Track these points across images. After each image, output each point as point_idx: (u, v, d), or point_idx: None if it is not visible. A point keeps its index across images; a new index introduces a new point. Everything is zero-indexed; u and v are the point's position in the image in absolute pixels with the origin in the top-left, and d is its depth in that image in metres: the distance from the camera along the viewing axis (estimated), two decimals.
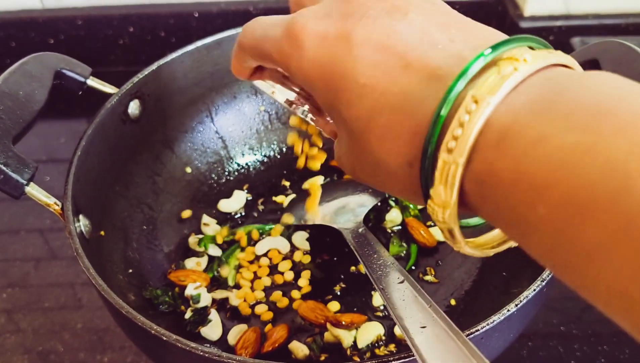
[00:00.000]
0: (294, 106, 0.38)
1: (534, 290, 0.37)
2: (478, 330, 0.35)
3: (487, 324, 0.35)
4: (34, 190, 0.44)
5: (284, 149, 0.66)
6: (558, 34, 0.81)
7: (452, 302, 0.51)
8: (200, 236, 0.56)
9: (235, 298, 0.52)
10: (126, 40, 0.83)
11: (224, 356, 0.34)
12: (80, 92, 0.53)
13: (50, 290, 0.60)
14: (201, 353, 0.35)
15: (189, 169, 0.61)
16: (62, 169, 0.70)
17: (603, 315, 0.20)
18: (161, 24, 0.82)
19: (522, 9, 0.81)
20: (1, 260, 0.63)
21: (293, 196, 0.61)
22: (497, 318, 0.35)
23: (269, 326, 0.50)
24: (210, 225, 0.58)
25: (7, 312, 0.58)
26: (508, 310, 0.36)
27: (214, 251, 0.55)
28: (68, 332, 0.56)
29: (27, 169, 0.43)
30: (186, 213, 0.59)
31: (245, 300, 0.52)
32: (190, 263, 0.55)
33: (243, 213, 0.60)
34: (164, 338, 0.35)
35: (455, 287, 0.53)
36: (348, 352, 0.48)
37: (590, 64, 0.50)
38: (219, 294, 0.52)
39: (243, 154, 0.64)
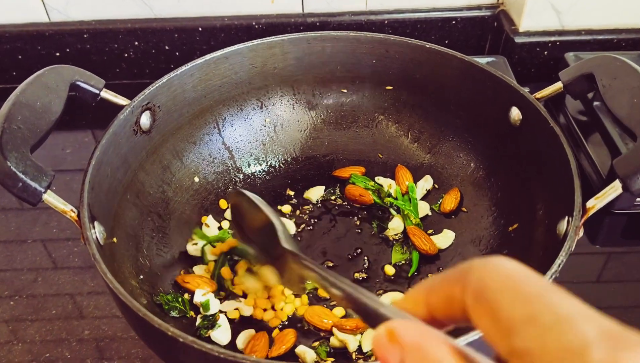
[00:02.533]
0: None
1: None
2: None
3: None
4: (51, 198, 0.45)
5: (289, 160, 0.67)
6: (552, 49, 0.82)
7: None
8: (196, 243, 0.57)
9: (245, 308, 0.53)
10: (131, 53, 0.84)
11: (239, 357, 0.35)
12: (93, 104, 0.54)
13: (57, 298, 0.60)
14: (217, 354, 0.35)
15: (197, 179, 0.62)
16: (68, 179, 0.71)
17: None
18: (166, 38, 0.83)
19: (518, 24, 0.82)
20: (8, 269, 0.63)
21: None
22: None
23: (276, 331, 0.51)
24: (210, 227, 0.58)
25: (14, 320, 0.58)
26: None
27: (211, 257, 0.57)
28: (74, 340, 0.56)
29: (45, 177, 0.44)
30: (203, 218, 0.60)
31: (256, 306, 0.53)
32: (199, 270, 0.56)
33: None
34: (181, 340, 0.36)
35: None
36: (353, 355, 0.49)
37: (585, 78, 0.51)
38: (228, 306, 0.53)
39: (249, 165, 0.66)
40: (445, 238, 0.58)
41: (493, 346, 0.19)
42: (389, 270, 0.56)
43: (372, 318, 0.24)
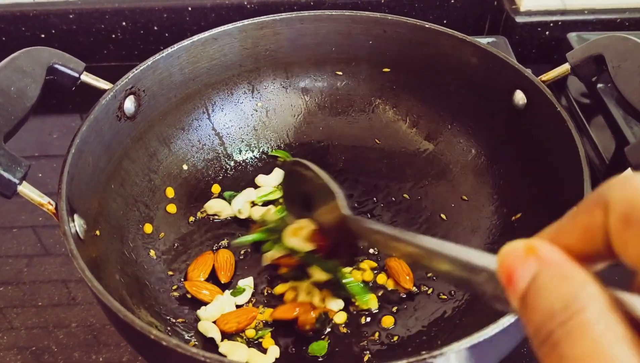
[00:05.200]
0: None
1: None
2: (487, 334, 0.34)
3: (497, 326, 0.35)
4: (26, 189, 0.43)
5: (282, 146, 0.65)
6: (554, 29, 0.81)
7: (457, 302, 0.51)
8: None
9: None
10: (119, 35, 0.83)
11: (226, 361, 0.34)
12: (73, 88, 0.52)
13: (44, 287, 0.59)
14: (202, 358, 0.34)
15: (185, 167, 0.61)
16: (55, 165, 0.70)
17: None
18: (154, 19, 0.81)
19: (518, 4, 0.81)
20: None
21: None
22: (507, 320, 0.35)
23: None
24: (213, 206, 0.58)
25: (0, 310, 0.57)
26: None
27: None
28: (62, 331, 0.55)
29: (20, 168, 0.42)
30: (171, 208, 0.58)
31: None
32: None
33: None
34: (164, 343, 0.35)
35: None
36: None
37: (594, 60, 0.50)
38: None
39: (240, 151, 0.64)
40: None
41: None
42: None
43: (464, 270, 0.23)
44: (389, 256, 0.55)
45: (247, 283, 0.53)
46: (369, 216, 0.59)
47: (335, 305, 0.51)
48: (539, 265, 0.18)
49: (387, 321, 0.50)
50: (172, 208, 0.58)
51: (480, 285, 0.22)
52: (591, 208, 0.19)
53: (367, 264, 0.54)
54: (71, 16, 0.80)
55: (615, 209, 0.18)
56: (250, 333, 0.50)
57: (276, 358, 0.48)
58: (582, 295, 0.17)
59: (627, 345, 0.16)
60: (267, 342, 0.49)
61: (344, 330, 0.50)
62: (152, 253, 0.54)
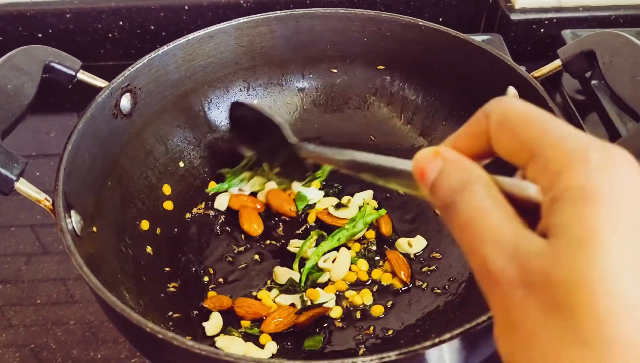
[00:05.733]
0: None
1: None
2: (479, 324, 0.35)
3: (488, 318, 0.35)
4: (23, 186, 0.43)
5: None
6: (549, 27, 0.81)
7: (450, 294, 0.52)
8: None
9: None
10: (116, 34, 0.83)
11: (221, 354, 0.34)
12: (69, 86, 0.53)
13: (42, 285, 0.59)
14: (198, 351, 0.34)
15: (182, 164, 0.61)
16: (52, 164, 0.70)
17: None
18: (151, 18, 0.81)
19: (514, 1, 0.81)
20: None
21: None
22: None
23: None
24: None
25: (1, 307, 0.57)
26: None
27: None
28: (60, 328, 0.56)
29: (17, 165, 0.43)
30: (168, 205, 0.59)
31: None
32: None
33: None
34: (160, 337, 0.35)
35: (452, 280, 0.53)
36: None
37: (585, 56, 0.50)
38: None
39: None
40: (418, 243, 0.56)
41: (513, 160, 0.24)
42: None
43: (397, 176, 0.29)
44: (389, 250, 0.55)
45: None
46: None
47: (327, 298, 0.52)
48: (443, 162, 0.24)
49: (377, 310, 0.51)
50: (168, 205, 0.58)
51: (403, 183, 0.29)
52: (478, 119, 0.25)
53: (361, 264, 0.55)
54: (68, 15, 0.80)
55: (493, 117, 0.24)
56: (245, 323, 0.50)
57: (273, 354, 0.48)
58: (473, 176, 0.24)
59: (499, 203, 0.23)
60: (265, 338, 0.49)
61: (339, 325, 0.50)
62: (149, 249, 0.54)
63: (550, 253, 0.21)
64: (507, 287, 0.21)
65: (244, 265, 0.55)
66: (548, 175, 0.22)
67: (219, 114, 0.64)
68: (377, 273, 0.54)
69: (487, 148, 0.25)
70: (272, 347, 0.49)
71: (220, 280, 0.54)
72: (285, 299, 0.52)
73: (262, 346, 0.49)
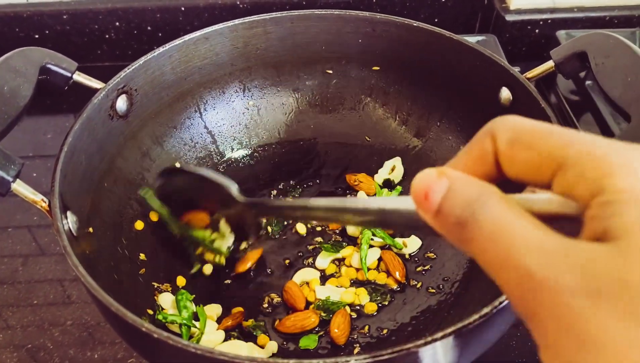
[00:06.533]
0: None
1: None
2: (472, 323, 0.35)
3: (480, 317, 0.35)
4: (20, 187, 0.44)
5: (273, 144, 0.65)
6: (543, 27, 0.81)
7: (443, 294, 0.52)
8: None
9: None
10: (112, 35, 0.83)
11: (216, 352, 0.34)
12: (66, 88, 0.53)
13: (39, 286, 0.59)
14: (193, 350, 0.34)
15: (178, 165, 0.61)
16: (49, 165, 0.70)
17: None
18: (148, 19, 0.81)
19: (508, 2, 0.82)
20: None
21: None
22: (490, 310, 0.35)
23: None
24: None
25: None
26: (500, 303, 0.36)
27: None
28: (57, 329, 0.56)
29: (13, 166, 0.43)
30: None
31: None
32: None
33: None
34: (155, 336, 0.35)
35: (446, 279, 0.53)
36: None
37: (578, 57, 0.50)
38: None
39: (232, 149, 0.64)
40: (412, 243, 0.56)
41: (530, 178, 0.22)
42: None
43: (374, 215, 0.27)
44: (384, 251, 0.55)
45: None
46: None
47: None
48: (450, 180, 0.23)
49: (371, 309, 0.51)
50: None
51: (387, 220, 0.27)
52: (481, 141, 0.24)
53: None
54: (65, 17, 0.80)
55: (502, 136, 0.23)
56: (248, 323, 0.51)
57: (273, 353, 0.49)
58: (488, 189, 0.22)
59: (523, 213, 0.21)
60: (263, 339, 0.49)
61: None
62: (145, 250, 0.55)
63: (619, 257, 0.19)
64: (566, 298, 0.19)
65: None
66: (588, 183, 0.21)
67: (214, 115, 0.64)
68: (372, 274, 0.54)
69: (492, 170, 0.24)
70: (272, 346, 0.49)
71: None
72: None
73: (261, 346, 0.49)
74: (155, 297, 0.51)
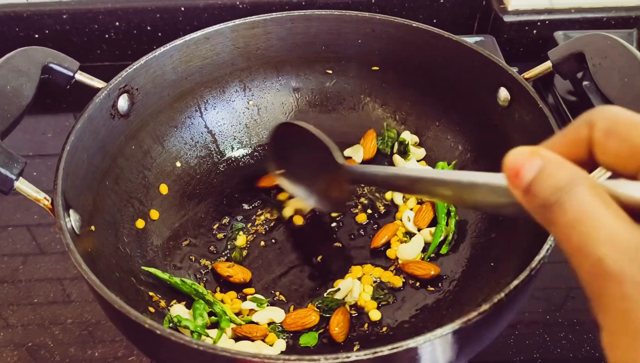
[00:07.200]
0: None
1: (523, 279, 0.38)
2: (470, 320, 0.35)
3: (478, 314, 0.36)
4: (23, 185, 0.44)
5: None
6: (541, 28, 0.82)
7: (443, 292, 0.52)
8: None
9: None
10: (112, 34, 0.83)
11: (219, 348, 0.35)
12: (67, 87, 0.53)
13: (39, 285, 0.60)
14: (195, 346, 0.35)
15: (178, 164, 0.61)
16: (49, 164, 0.70)
17: (587, 304, 0.22)
18: (148, 19, 0.82)
19: (506, 3, 0.82)
20: None
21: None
22: (488, 307, 0.36)
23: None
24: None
25: None
26: (499, 299, 0.36)
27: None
28: (58, 327, 0.56)
29: (16, 165, 0.43)
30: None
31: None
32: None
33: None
34: (158, 332, 0.35)
35: (444, 278, 0.53)
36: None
37: (575, 58, 0.50)
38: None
39: (232, 148, 0.64)
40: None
41: (620, 168, 0.23)
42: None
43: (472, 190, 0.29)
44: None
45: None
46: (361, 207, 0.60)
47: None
48: (542, 160, 0.23)
49: (371, 307, 0.52)
50: (165, 204, 0.59)
51: (471, 197, 0.29)
52: (579, 127, 0.24)
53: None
54: (64, 16, 0.80)
55: (599, 125, 0.24)
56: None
57: (282, 351, 0.49)
58: (578, 175, 0.22)
59: (610, 203, 0.22)
60: (271, 338, 0.49)
61: None
62: (147, 248, 0.55)
63: None
64: (631, 290, 0.20)
65: None
66: None
67: (215, 115, 0.64)
68: (377, 271, 0.54)
69: (586, 157, 0.24)
70: (281, 344, 0.49)
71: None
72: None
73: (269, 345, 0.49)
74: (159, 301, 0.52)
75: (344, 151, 0.64)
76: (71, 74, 0.52)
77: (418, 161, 0.62)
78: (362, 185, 0.59)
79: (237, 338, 0.49)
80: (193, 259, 0.56)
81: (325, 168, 0.45)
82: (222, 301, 0.51)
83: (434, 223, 0.57)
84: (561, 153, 0.24)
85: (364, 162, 0.63)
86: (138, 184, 0.57)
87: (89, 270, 0.39)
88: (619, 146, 0.23)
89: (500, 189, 0.27)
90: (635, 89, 0.46)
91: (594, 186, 0.22)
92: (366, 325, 0.51)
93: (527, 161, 0.23)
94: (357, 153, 0.63)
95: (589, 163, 0.25)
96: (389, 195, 0.60)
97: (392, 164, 0.63)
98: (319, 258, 0.56)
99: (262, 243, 0.57)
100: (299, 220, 0.59)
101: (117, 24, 0.82)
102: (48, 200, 0.44)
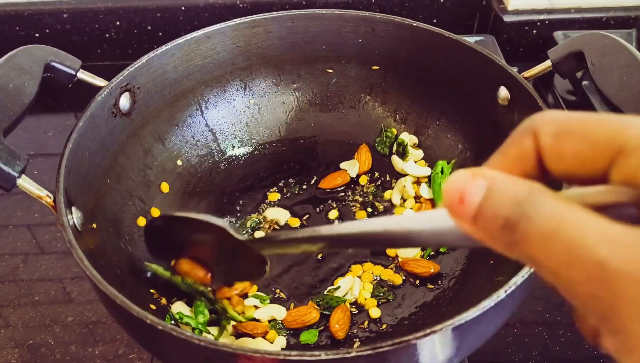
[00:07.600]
0: None
1: (523, 276, 0.38)
2: (469, 316, 0.36)
3: (477, 310, 0.36)
4: (25, 183, 0.44)
5: (274, 142, 0.66)
6: (541, 28, 0.82)
7: (441, 289, 0.53)
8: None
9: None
10: (113, 34, 0.83)
11: (220, 344, 0.35)
12: (69, 85, 0.53)
13: (40, 284, 0.60)
14: (197, 342, 0.35)
15: (179, 162, 0.61)
16: (50, 163, 0.70)
17: None
18: (148, 18, 0.82)
19: (506, 3, 0.82)
20: None
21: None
22: (487, 304, 0.36)
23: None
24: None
25: None
26: (498, 296, 0.37)
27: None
28: (58, 326, 0.56)
29: (19, 162, 0.43)
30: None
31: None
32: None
33: None
34: (159, 328, 0.36)
35: (444, 275, 0.54)
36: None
37: (574, 57, 0.51)
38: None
39: (233, 147, 0.65)
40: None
41: (583, 170, 0.21)
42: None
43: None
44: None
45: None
46: (360, 206, 0.61)
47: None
48: (488, 180, 0.20)
49: (371, 304, 0.52)
50: (166, 203, 0.59)
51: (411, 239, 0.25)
52: (519, 140, 0.22)
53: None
54: (65, 16, 0.80)
55: (545, 130, 0.21)
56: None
57: (282, 348, 0.49)
58: (534, 185, 0.20)
59: (578, 206, 0.19)
60: (272, 335, 0.50)
61: None
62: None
63: None
64: None
65: None
66: None
67: (216, 113, 0.64)
68: (377, 269, 0.55)
69: (533, 170, 0.22)
70: (281, 341, 0.49)
71: None
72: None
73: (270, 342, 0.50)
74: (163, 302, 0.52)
75: (340, 164, 0.63)
76: (73, 72, 0.52)
77: (416, 162, 0.62)
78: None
79: (237, 335, 0.50)
80: None
81: (226, 246, 0.42)
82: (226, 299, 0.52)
83: None
84: (505, 171, 0.22)
85: (359, 175, 0.63)
86: (139, 182, 0.57)
87: (91, 266, 0.39)
88: (579, 145, 0.21)
89: (442, 229, 0.23)
90: (634, 88, 0.46)
91: (555, 194, 0.20)
92: (366, 323, 0.51)
93: (469, 185, 0.21)
94: (352, 168, 0.63)
95: (538, 177, 0.22)
96: (387, 194, 0.61)
97: (390, 164, 0.63)
98: (320, 256, 0.56)
99: None
100: (294, 222, 0.59)
101: (118, 23, 0.82)
102: (50, 198, 0.44)
